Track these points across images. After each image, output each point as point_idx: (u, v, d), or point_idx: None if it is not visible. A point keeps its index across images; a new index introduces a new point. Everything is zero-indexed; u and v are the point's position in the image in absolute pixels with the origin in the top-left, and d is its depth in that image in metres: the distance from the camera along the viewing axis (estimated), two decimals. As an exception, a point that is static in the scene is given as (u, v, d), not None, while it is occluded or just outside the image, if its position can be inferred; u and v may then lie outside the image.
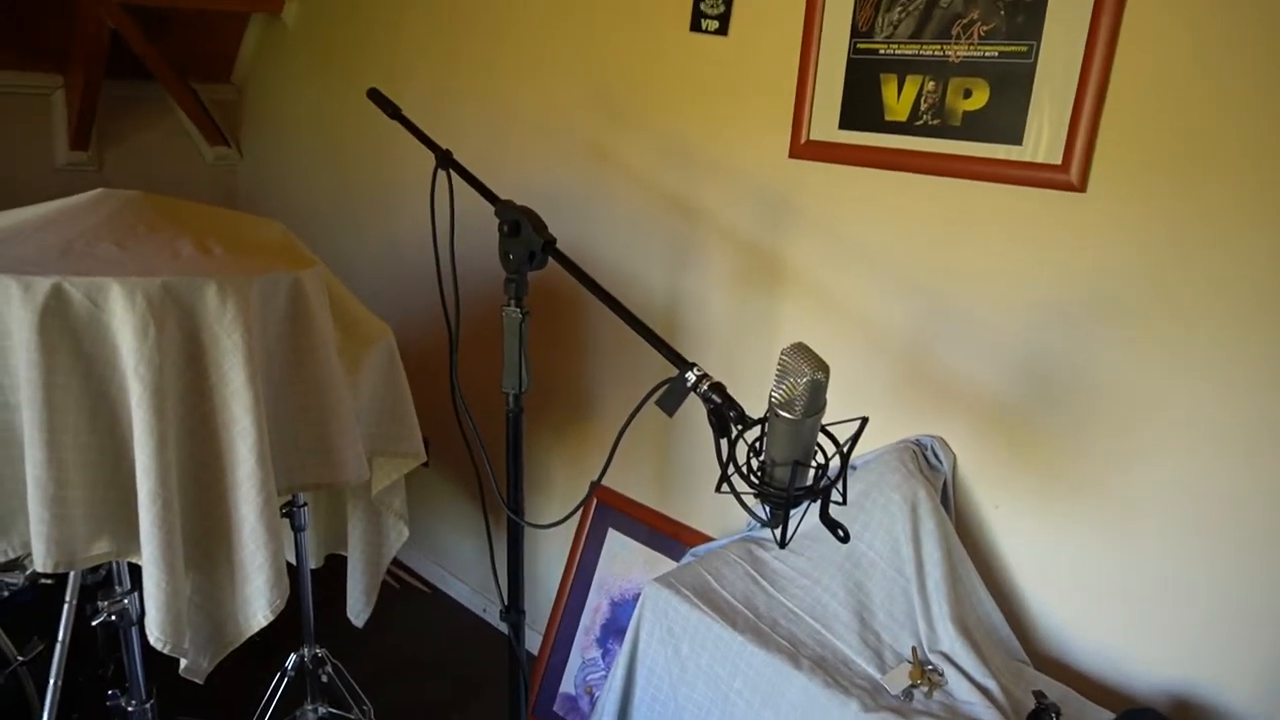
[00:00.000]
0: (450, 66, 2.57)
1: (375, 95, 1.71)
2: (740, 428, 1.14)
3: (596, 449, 2.38)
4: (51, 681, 1.37)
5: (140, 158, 3.20)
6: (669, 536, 2.13)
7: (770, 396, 1.08)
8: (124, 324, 1.19)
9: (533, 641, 2.49)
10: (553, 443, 2.49)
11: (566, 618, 2.29)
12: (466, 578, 2.89)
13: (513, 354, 1.51)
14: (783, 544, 1.15)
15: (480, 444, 1.62)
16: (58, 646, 1.38)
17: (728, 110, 1.95)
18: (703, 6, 1.98)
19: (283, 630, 1.61)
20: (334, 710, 1.95)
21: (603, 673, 2.18)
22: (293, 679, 1.90)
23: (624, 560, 2.20)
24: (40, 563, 1.17)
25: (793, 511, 1.18)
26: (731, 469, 1.16)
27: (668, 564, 2.09)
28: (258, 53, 3.31)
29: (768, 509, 1.15)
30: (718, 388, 1.18)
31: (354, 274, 2.93)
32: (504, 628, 2.71)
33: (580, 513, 2.32)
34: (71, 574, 1.43)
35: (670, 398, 1.25)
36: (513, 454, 1.54)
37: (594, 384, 2.35)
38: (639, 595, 1.69)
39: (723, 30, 1.96)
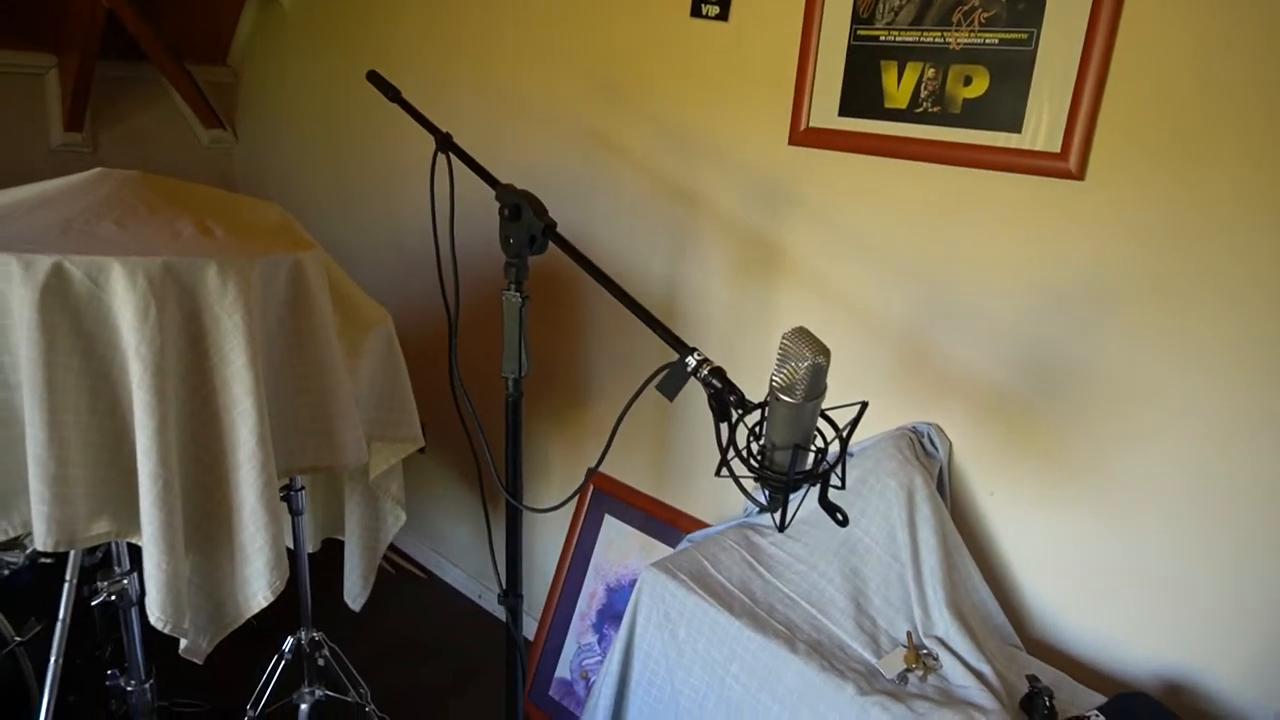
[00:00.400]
0: (449, 50, 2.56)
1: (374, 77, 1.70)
2: (740, 412, 1.15)
3: (594, 434, 2.38)
4: (52, 660, 1.37)
5: (135, 140, 3.17)
6: (665, 523, 2.14)
7: (771, 380, 1.08)
8: (125, 304, 1.19)
9: (529, 627, 2.50)
10: (550, 428, 2.49)
11: (563, 603, 2.29)
12: (462, 563, 2.90)
13: (512, 338, 1.51)
14: (782, 527, 1.16)
15: (480, 428, 1.62)
16: (58, 626, 1.38)
17: (728, 97, 1.95)
18: (703, -9, 1.97)
19: (280, 613, 1.61)
20: (331, 693, 1.96)
21: (598, 658, 2.20)
22: (290, 662, 1.91)
23: (620, 546, 2.21)
24: (41, 541, 1.17)
25: (791, 496, 1.19)
26: (731, 453, 1.17)
27: (664, 550, 2.10)
28: (254, 35, 3.28)
29: (767, 493, 1.15)
30: (718, 372, 1.19)
31: (351, 259, 2.93)
32: (500, 613, 2.71)
33: (577, 499, 2.32)
34: (72, 553, 1.43)
35: (670, 382, 1.25)
36: (512, 438, 1.54)
37: (592, 369, 2.35)
38: (635, 581, 1.70)
39: (723, 15, 1.95)
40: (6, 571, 1.35)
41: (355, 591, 1.92)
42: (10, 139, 2.89)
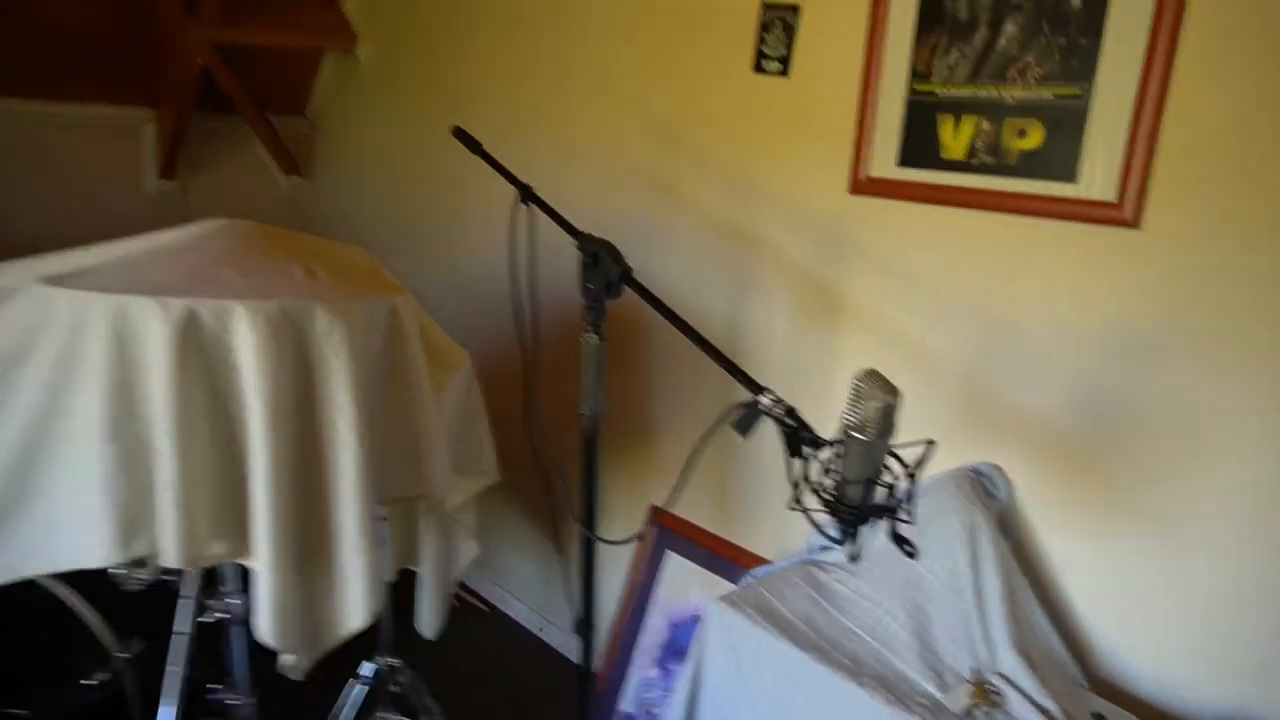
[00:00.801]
0: (516, 99, 2.70)
1: (460, 134, 1.82)
2: (813, 449, 1.21)
3: (655, 470, 2.45)
4: (174, 669, 1.47)
5: (221, 187, 3.38)
6: (727, 560, 2.19)
7: (844, 419, 1.15)
8: (246, 343, 1.30)
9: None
10: (613, 463, 2.56)
11: (625, 637, 2.35)
12: (525, 597, 2.97)
13: (590, 379, 1.61)
14: (854, 558, 1.22)
15: (555, 462, 1.71)
16: (179, 638, 1.49)
17: (789, 148, 2.04)
18: (764, 49, 2.07)
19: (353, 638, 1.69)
20: (406, 719, 2.03)
21: (661, 692, 2.24)
22: (365, 687, 1.98)
23: (682, 582, 2.27)
24: (171, 559, 1.28)
25: (860, 530, 1.25)
26: (803, 488, 1.23)
27: (726, 586, 2.15)
28: (331, 88, 3.48)
29: (838, 526, 1.21)
30: (791, 411, 1.26)
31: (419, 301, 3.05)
32: (563, 647, 2.77)
33: (641, 534, 2.38)
34: (191, 572, 1.54)
35: (745, 421, 1.33)
36: (588, 472, 1.63)
37: (654, 406, 2.42)
38: (698, 616, 1.75)
39: (784, 72, 2.05)
40: (140, 587, 1.46)
41: (428, 620, 2.00)
42: (110, 185, 3.11)
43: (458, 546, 1.96)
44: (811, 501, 1.23)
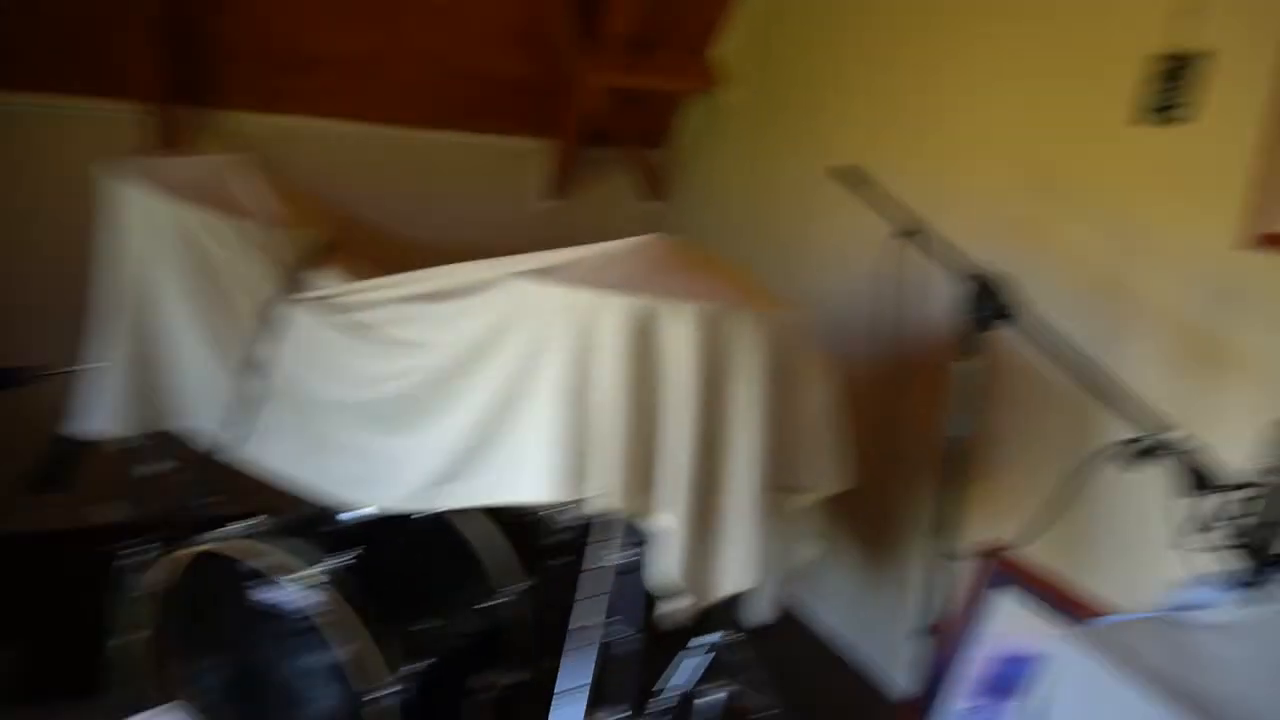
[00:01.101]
0: (878, 141, 2.84)
1: (845, 173, 1.97)
2: (1224, 490, 1.22)
3: (989, 498, 2.43)
4: (597, 599, 1.77)
5: (593, 206, 3.88)
6: (1063, 603, 2.15)
7: (1266, 463, 1.16)
8: (678, 338, 1.58)
9: (904, 680, 2.56)
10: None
11: (943, 664, 2.37)
12: (837, 610, 3.06)
13: (963, 402, 1.71)
14: (1254, 597, 1.21)
15: (905, 478, 1.81)
16: (597, 574, 1.78)
17: (1171, 199, 2.00)
18: (1160, 97, 2.04)
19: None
20: (745, 689, 2.20)
21: (978, 724, 2.24)
22: (707, 656, 2.17)
23: (1011, 618, 2.25)
24: (605, 505, 1.59)
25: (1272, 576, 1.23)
26: (1202, 528, 1.24)
27: (1059, 630, 2.11)
28: (692, 123, 3.87)
29: (1249, 569, 1.21)
30: (1194, 450, 1.28)
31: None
32: (869, 665, 2.81)
33: (975, 562, 2.40)
34: (612, 518, 1.83)
35: (1135, 456, 1.37)
36: (949, 489, 1.72)
37: (996, 435, 2.42)
38: (1024, 655, 1.74)
39: (1180, 119, 2.00)
40: (563, 525, 1.78)
41: (761, 608, 2.17)
42: (508, 200, 3.73)
43: (803, 543, 2.11)
44: (1204, 543, 1.24)
